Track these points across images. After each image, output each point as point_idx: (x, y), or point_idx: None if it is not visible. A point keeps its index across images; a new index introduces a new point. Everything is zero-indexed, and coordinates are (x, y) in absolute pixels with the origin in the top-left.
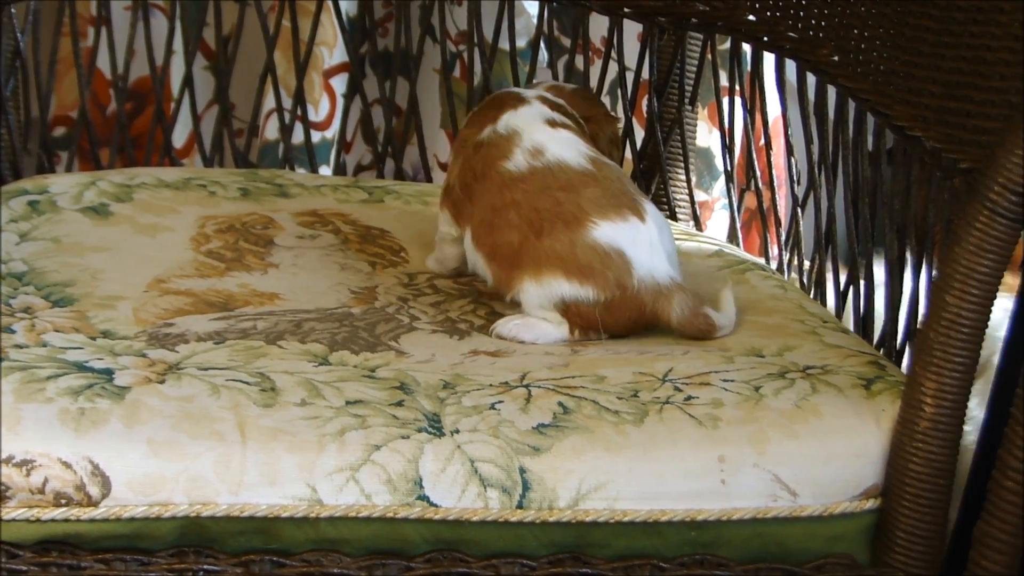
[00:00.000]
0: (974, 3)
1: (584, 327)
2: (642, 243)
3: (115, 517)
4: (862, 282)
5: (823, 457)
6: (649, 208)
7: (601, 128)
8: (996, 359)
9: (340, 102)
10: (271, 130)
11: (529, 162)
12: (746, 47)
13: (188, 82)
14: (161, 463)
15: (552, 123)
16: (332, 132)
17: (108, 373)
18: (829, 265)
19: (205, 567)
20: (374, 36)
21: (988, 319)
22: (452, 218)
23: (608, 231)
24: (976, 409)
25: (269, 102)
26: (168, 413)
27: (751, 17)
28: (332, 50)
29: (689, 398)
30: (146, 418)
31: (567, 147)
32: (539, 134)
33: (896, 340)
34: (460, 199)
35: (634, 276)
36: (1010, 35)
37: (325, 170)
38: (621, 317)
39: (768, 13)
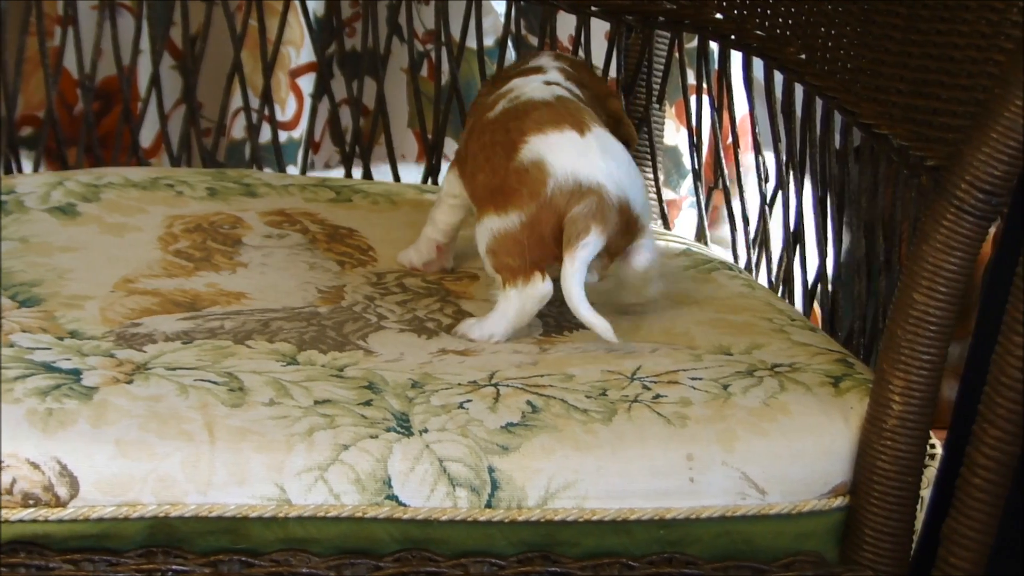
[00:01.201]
0: (940, 1)
1: (513, 269)
2: (569, 149)
3: (83, 518)
4: (830, 280)
5: (791, 455)
6: (599, 130)
7: (603, 104)
8: None
9: (307, 102)
10: (238, 129)
11: (504, 106)
12: (713, 45)
13: (155, 81)
14: (129, 463)
15: (549, 83)
16: (299, 132)
17: (76, 373)
18: (797, 263)
19: (174, 567)
20: (341, 36)
21: (955, 316)
22: (459, 177)
23: (535, 144)
24: None
25: (236, 101)
26: (136, 413)
27: (718, 15)
28: (299, 50)
29: (658, 396)
30: (114, 418)
31: (542, 90)
32: (528, 87)
33: (864, 338)
34: (463, 157)
35: (549, 183)
36: (976, 32)
37: (292, 170)
38: (544, 232)
39: (735, 11)
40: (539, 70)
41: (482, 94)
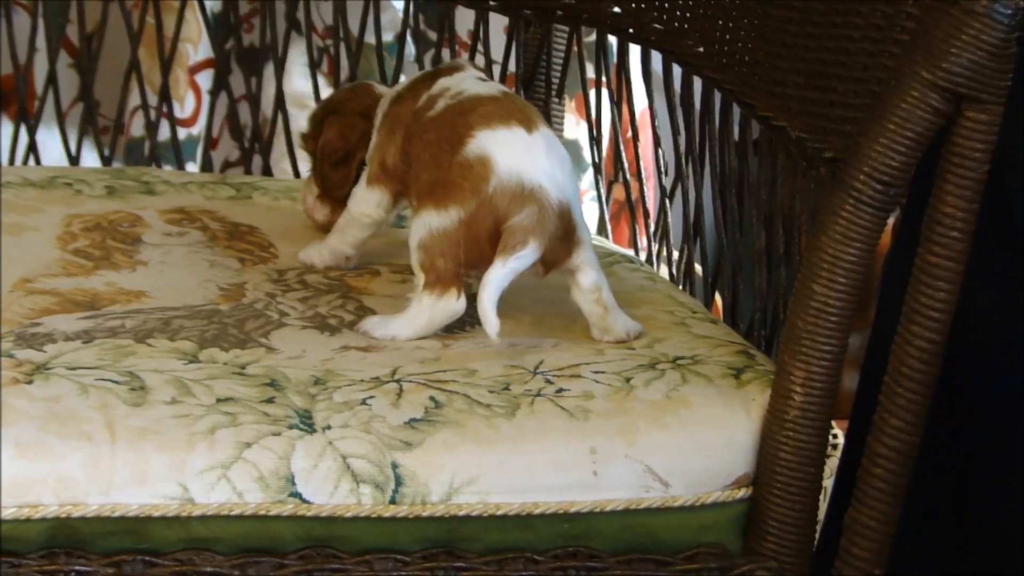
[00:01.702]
0: None
1: (438, 273)
2: (515, 146)
3: None
4: (730, 272)
5: (694, 447)
6: (545, 129)
7: None
8: None
9: (206, 98)
10: (136, 127)
11: (447, 103)
12: (612, 39)
13: (52, 80)
14: (29, 465)
15: (481, 79)
16: (198, 129)
17: None
18: (697, 256)
19: (76, 568)
20: (239, 32)
21: (854, 307)
22: (390, 196)
23: (481, 139)
24: None
25: (133, 99)
26: (35, 414)
27: (616, 9)
28: (197, 46)
29: (560, 390)
30: (13, 419)
31: (486, 86)
32: (466, 84)
33: (765, 329)
34: (404, 171)
35: (492, 181)
36: (871, 25)
37: (192, 167)
38: (480, 231)
39: (633, 5)
40: (460, 67)
41: (400, 103)
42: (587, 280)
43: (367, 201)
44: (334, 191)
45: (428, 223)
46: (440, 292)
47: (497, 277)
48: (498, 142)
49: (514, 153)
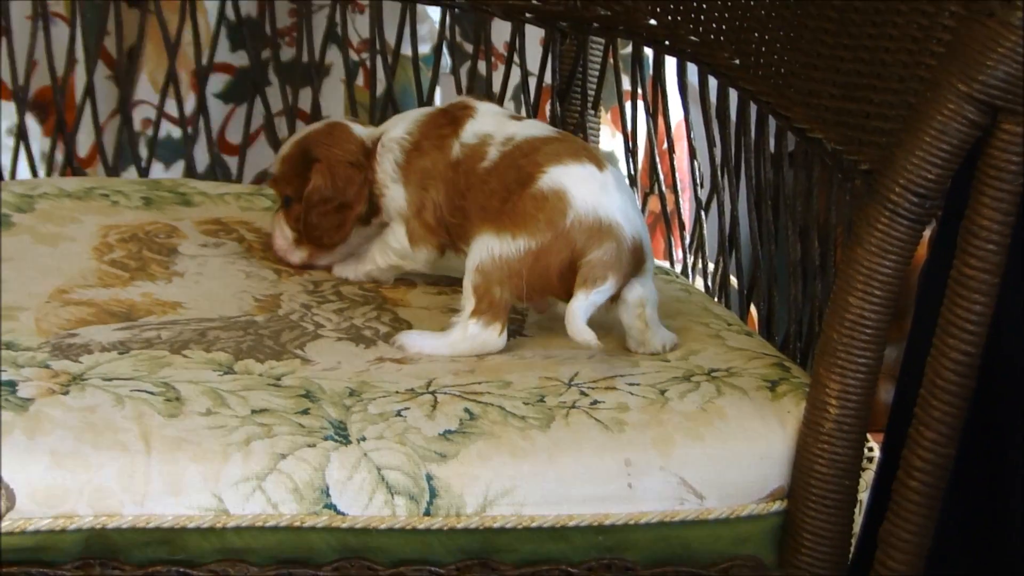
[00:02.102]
0: (871, 4)
1: (492, 301)
2: (591, 182)
3: (19, 530)
4: (765, 284)
5: (729, 459)
6: (613, 168)
7: None
8: None
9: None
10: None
11: (501, 150)
12: (648, 51)
13: (90, 91)
14: (65, 474)
15: (515, 117)
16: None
17: (11, 385)
18: (733, 268)
19: None
20: (277, 44)
21: (890, 319)
22: (437, 250)
23: (555, 174)
24: None
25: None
26: (71, 424)
27: (652, 21)
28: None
29: (595, 402)
30: (49, 429)
31: (535, 127)
32: (510, 127)
33: (800, 342)
34: (455, 224)
35: (569, 215)
36: (907, 36)
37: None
38: (552, 263)
39: (668, 17)
40: (473, 107)
41: (423, 154)
42: (632, 294)
43: (416, 259)
44: (322, 239)
45: (491, 248)
46: (487, 322)
47: (581, 307)
48: (572, 177)
49: (590, 188)
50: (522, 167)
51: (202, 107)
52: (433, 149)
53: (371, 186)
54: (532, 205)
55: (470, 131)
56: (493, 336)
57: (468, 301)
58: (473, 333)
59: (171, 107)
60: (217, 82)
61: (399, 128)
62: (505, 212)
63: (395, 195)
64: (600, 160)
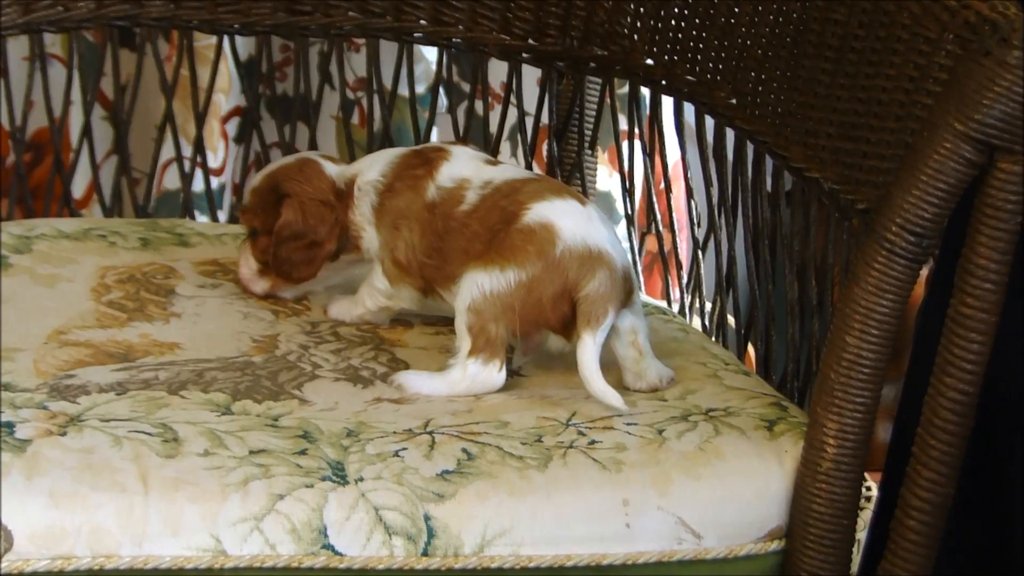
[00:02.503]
0: (868, 44)
1: (488, 338)
2: (576, 215)
3: (18, 572)
4: (763, 323)
5: (726, 499)
6: (592, 204)
7: None
8: None
9: (233, 147)
10: (168, 179)
11: (480, 194)
12: (644, 91)
13: (87, 132)
14: (62, 515)
15: (490, 161)
16: (227, 177)
17: (9, 426)
18: (730, 307)
19: None
20: (272, 80)
21: (888, 359)
22: (419, 291)
23: (540, 209)
24: None
25: (165, 151)
26: (69, 465)
27: (648, 61)
28: (228, 95)
29: (593, 442)
30: (47, 470)
31: (512, 170)
32: (487, 172)
33: (798, 380)
34: (433, 266)
35: (558, 244)
36: (904, 75)
37: (222, 216)
38: (544, 294)
39: (665, 57)
40: (448, 151)
41: (395, 195)
42: (624, 323)
43: (401, 296)
44: (291, 272)
45: (480, 285)
46: (486, 360)
47: (592, 354)
48: (557, 210)
49: (576, 220)
50: (505, 208)
51: (199, 147)
52: (406, 190)
53: (345, 226)
54: (520, 238)
55: (446, 174)
56: (493, 373)
57: (464, 341)
58: (473, 373)
59: (167, 151)
60: (231, 126)
61: (373, 170)
62: (492, 249)
63: (371, 237)
64: (580, 196)
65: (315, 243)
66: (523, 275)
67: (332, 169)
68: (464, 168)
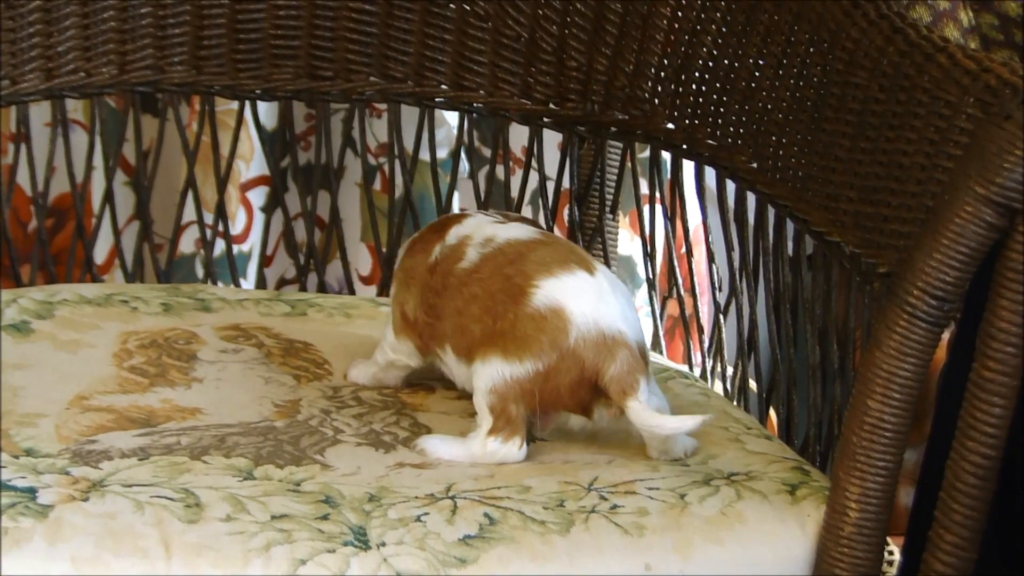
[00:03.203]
0: (888, 108)
1: (509, 419)
2: (587, 293)
3: None
4: (784, 387)
5: (749, 563)
6: (601, 267)
7: None
8: None
9: (258, 215)
10: (185, 243)
11: (480, 252)
12: (665, 155)
13: (108, 197)
14: None
15: (500, 219)
16: (248, 245)
17: (31, 491)
18: (752, 371)
19: None
20: (295, 149)
21: (910, 422)
22: (417, 349)
23: (548, 289)
24: None
25: (185, 216)
26: (91, 530)
27: (669, 125)
28: (249, 163)
29: (615, 507)
30: (69, 535)
31: (517, 229)
32: (489, 228)
33: (820, 444)
34: (427, 323)
35: (571, 333)
36: (925, 139)
37: (244, 284)
38: (561, 382)
39: (686, 121)
40: (465, 215)
41: (412, 255)
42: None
43: (399, 350)
44: None
45: (500, 371)
46: (507, 437)
47: (645, 412)
48: (567, 290)
49: (587, 300)
50: (510, 277)
51: (221, 212)
52: (420, 252)
53: None
54: (532, 327)
55: (453, 234)
56: (513, 450)
57: (484, 420)
58: (493, 450)
59: (188, 216)
60: (260, 195)
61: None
62: (506, 332)
63: (392, 291)
64: (589, 263)
65: None
66: (540, 364)
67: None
68: (468, 227)
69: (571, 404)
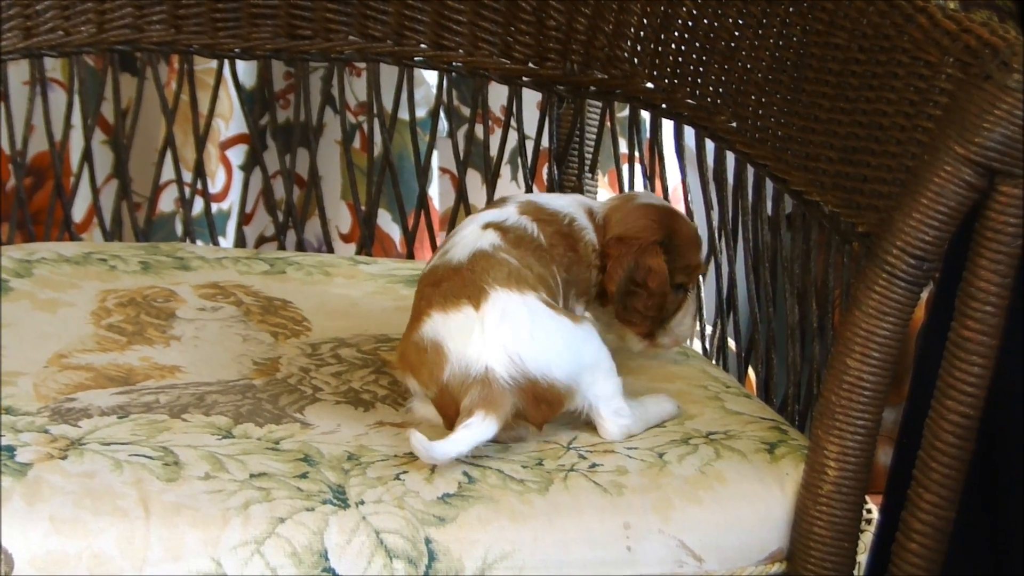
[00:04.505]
0: (868, 69)
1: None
2: (463, 332)
3: None
4: (764, 347)
5: (728, 522)
6: (503, 296)
7: (620, 264)
8: None
9: (237, 174)
10: (165, 202)
11: (434, 263)
12: (645, 114)
13: (87, 156)
14: (64, 540)
15: (488, 226)
16: (228, 204)
17: (10, 450)
18: (731, 331)
19: None
20: (274, 108)
21: (889, 382)
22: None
23: (433, 323)
24: None
25: (164, 175)
26: (70, 490)
27: (649, 85)
28: (228, 122)
29: (594, 466)
30: (48, 495)
31: (469, 243)
32: (459, 234)
33: (799, 404)
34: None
35: (447, 370)
36: (905, 99)
37: (223, 242)
38: (449, 411)
39: (666, 81)
40: (494, 204)
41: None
42: (605, 434)
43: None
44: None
45: (409, 382)
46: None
47: (454, 447)
48: (448, 327)
49: (462, 338)
50: (423, 298)
51: (199, 172)
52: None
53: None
54: (417, 355)
55: (453, 232)
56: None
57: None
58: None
59: (167, 175)
60: (239, 153)
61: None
62: (403, 349)
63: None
64: (483, 292)
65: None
66: (429, 391)
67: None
68: (464, 229)
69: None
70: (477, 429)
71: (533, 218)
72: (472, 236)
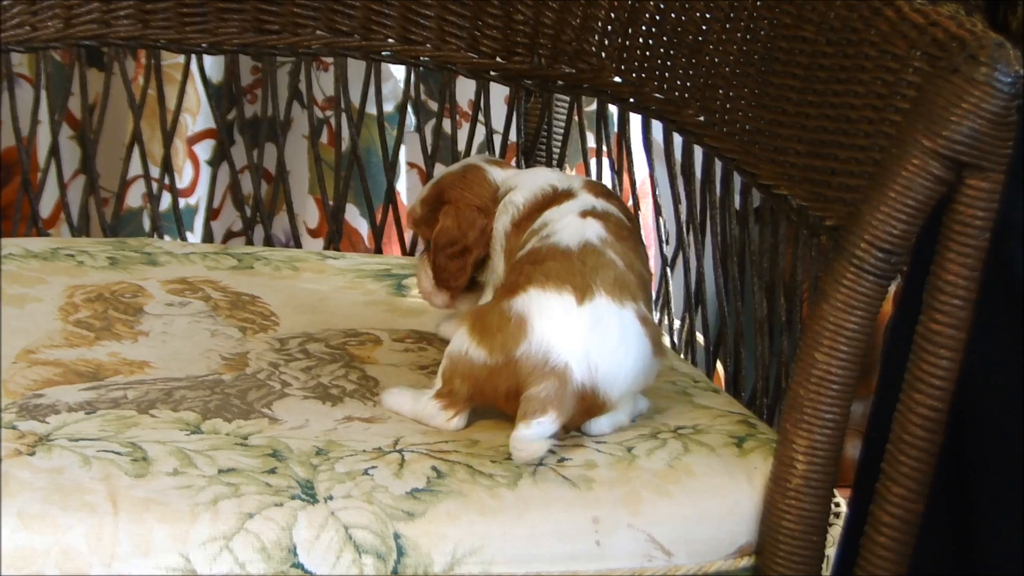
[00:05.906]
0: (836, 62)
1: (452, 392)
2: (557, 318)
3: None
4: (732, 341)
5: (696, 516)
6: (603, 302)
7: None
8: None
9: (204, 169)
10: (133, 198)
11: (533, 243)
12: (612, 108)
13: (54, 152)
14: (32, 536)
15: (586, 214)
16: (195, 199)
17: None
18: (699, 325)
19: None
20: (241, 102)
21: (857, 375)
22: None
23: (529, 298)
24: None
25: (131, 170)
26: (38, 486)
27: (616, 79)
28: (195, 117)
29: (562, 460)
30: (16, 491)
31: (575, 231)
32: (560, 221)
33: (767, 398)
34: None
35: (522, 345)
36: (873, 92)
37: (191, 237)
38: (500, 385)
39: (633, 75)
40: (572, 195)
41: (518, 232)
42: (592, 429)
43: None
44: (448, 282)
45: (465, 344)
46: (444, 407)
47: (523, 437)
48: (542, 308)
49: (552, 324)
50: (521, 274)
51: (167, 167)
52: (521, 232)
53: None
54: (496, 321)
55: (543, 217)
56: (443, 420)
57: (437, 379)
58: (431, 412)
59: (134, 170)
60: (206, 148)
61: (520, 194)
62: (483, 315)
63: (496, 264)
64: (590, 289)
65: (465, 249)
66: (489, 360)
67: (497, 175)
68: (556, 213)
69: (506, 408)
70: (550, 428)
71: (614, 204)
72: (575, 224)
